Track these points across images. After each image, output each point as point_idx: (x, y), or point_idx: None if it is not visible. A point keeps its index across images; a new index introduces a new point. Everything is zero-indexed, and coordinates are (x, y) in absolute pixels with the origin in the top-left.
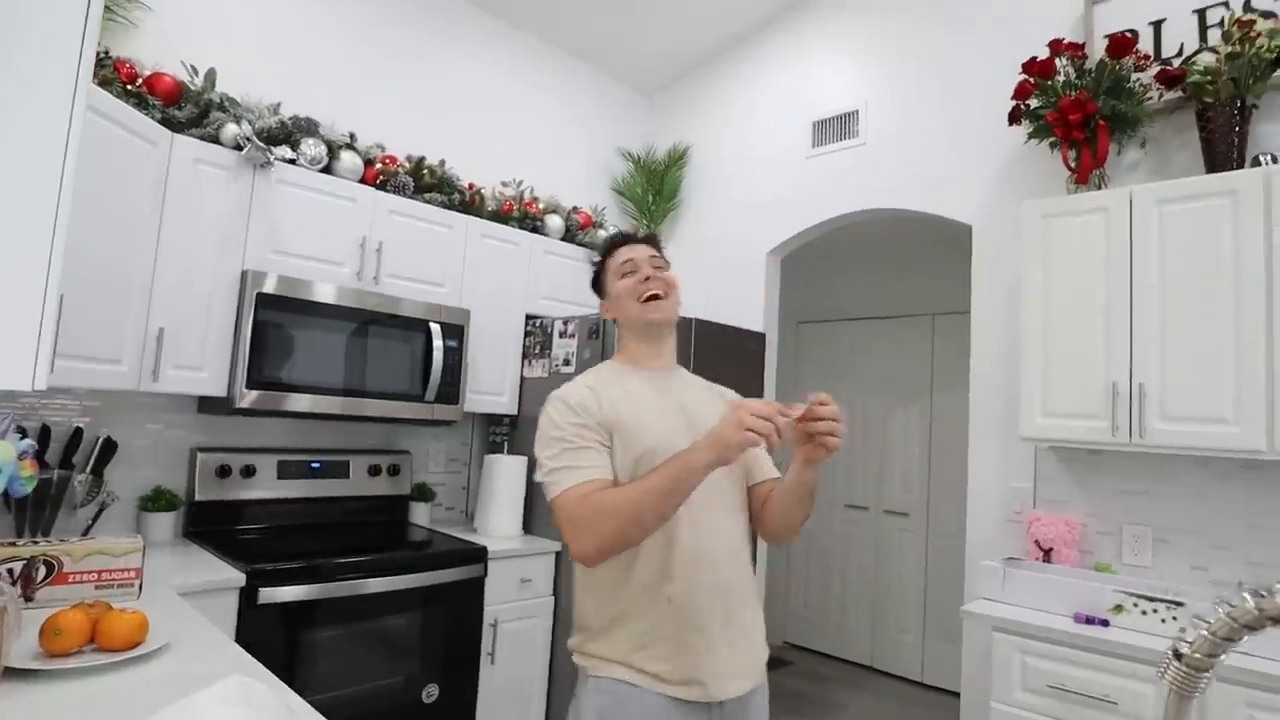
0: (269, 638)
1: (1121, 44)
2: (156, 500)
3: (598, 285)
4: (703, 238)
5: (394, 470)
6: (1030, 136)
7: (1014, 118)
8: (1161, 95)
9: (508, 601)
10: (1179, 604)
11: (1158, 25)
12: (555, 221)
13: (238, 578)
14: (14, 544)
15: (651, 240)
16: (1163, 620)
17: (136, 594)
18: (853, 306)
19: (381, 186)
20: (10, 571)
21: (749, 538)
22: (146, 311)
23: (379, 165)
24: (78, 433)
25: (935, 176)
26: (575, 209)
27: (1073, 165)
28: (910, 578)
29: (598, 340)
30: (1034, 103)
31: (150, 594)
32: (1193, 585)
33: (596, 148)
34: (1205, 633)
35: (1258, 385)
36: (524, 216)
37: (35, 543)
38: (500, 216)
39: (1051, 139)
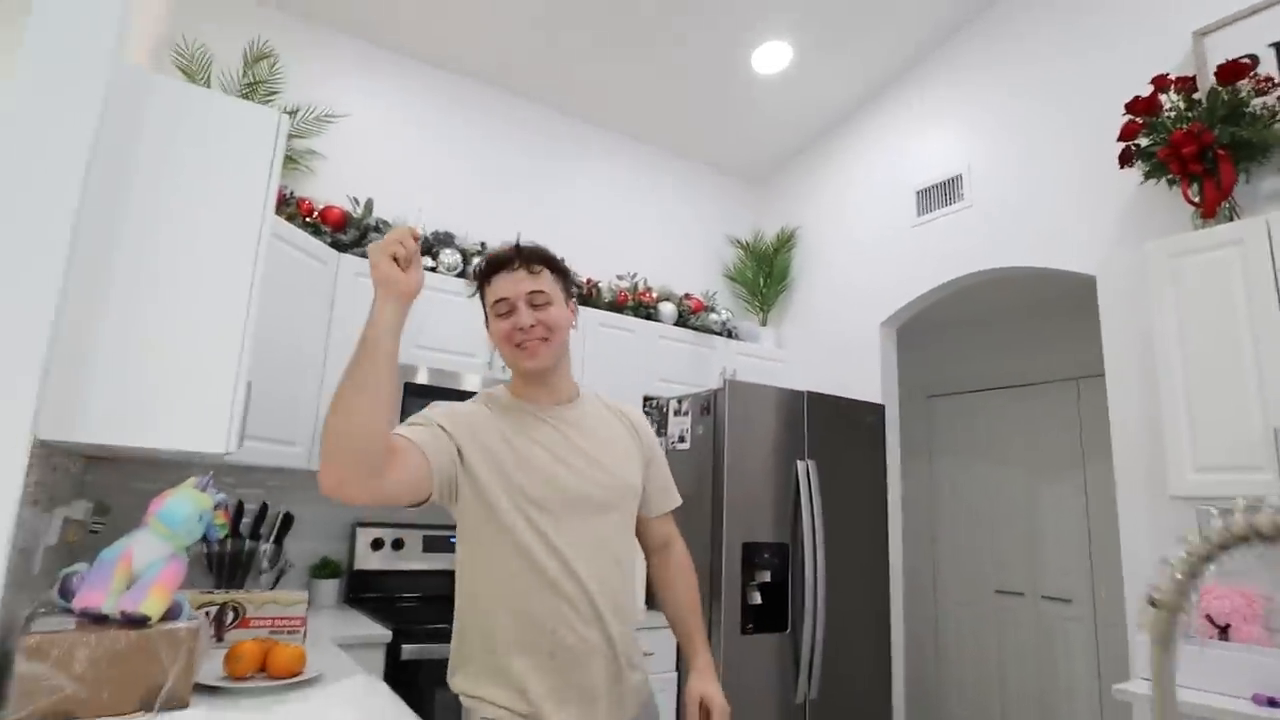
0: (408, 692)
1: (1231, 70)
2: (323, 568)
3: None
4: (815, 314)
5: None
6: (1146, 177)
7: (1124, 159)
8: None
9: None
10: None
11: (1279, 47)
12: (668, 308)
13: (385, 635)
14: (210, 592)
15: (533, 260)
16: None
17: (301, 639)
18: (987, 376)
19: None
20: (207, 614)
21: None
22: (317, 400)
23: None
24: (264, 508)
25: (1049, 230)
26: (687, 295)
27: (1195, 200)
28: (1081, 674)
29: (710, 416)
30: (1144, 141)
31: (312, 642)
32: None
33: (707, 237)
34: (1176, 575)
35: None
36: (638, 305)
37: (226, 592)
38: (616, 306)
39: (1169, 176)
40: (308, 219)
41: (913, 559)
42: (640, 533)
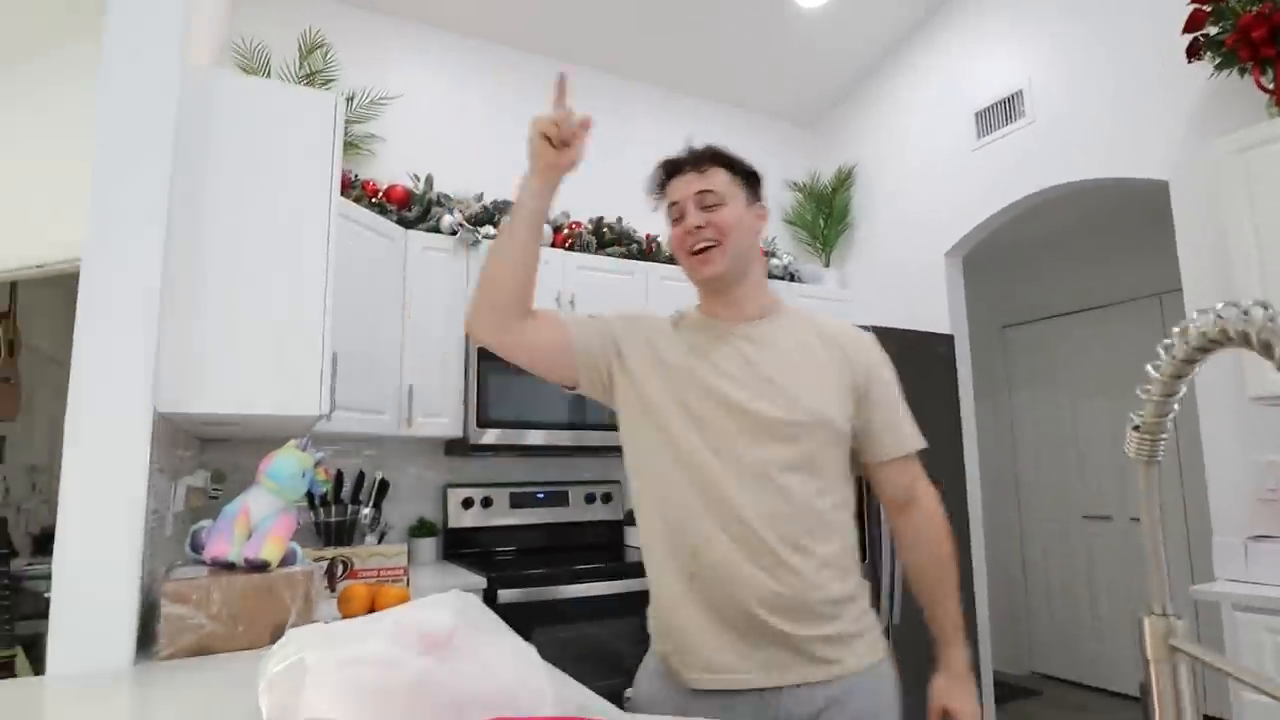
0: None
1: None
2: (420, 529)
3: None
4: (878, 250)
5: (607, 498)
6: (1216, 70)
7: (1192, 52)
8: None
9: None
10: None
11: None
12: None
13: (481, 581)
14: (322, 550)
15: (703, 160)
16: None
17: (406, 585)
18: (1063, 300)
19: (570, 248)
20: (320, 568)
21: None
22: (400, 371)
23: (565, 230)
24: (360, 476)
25: (1117, 138)
26: None
27: (1269, 87)
28: (1174, 584)
29: None
30: (1211, 31)
31: (415, 588)
32: None
33: (767, 184)
34: (1153, 396)
35: None
36: None
37: (335, 549)
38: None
39: (1240, 65)
40: (373, 199)
41: (993, 490)
42: (875, 484)
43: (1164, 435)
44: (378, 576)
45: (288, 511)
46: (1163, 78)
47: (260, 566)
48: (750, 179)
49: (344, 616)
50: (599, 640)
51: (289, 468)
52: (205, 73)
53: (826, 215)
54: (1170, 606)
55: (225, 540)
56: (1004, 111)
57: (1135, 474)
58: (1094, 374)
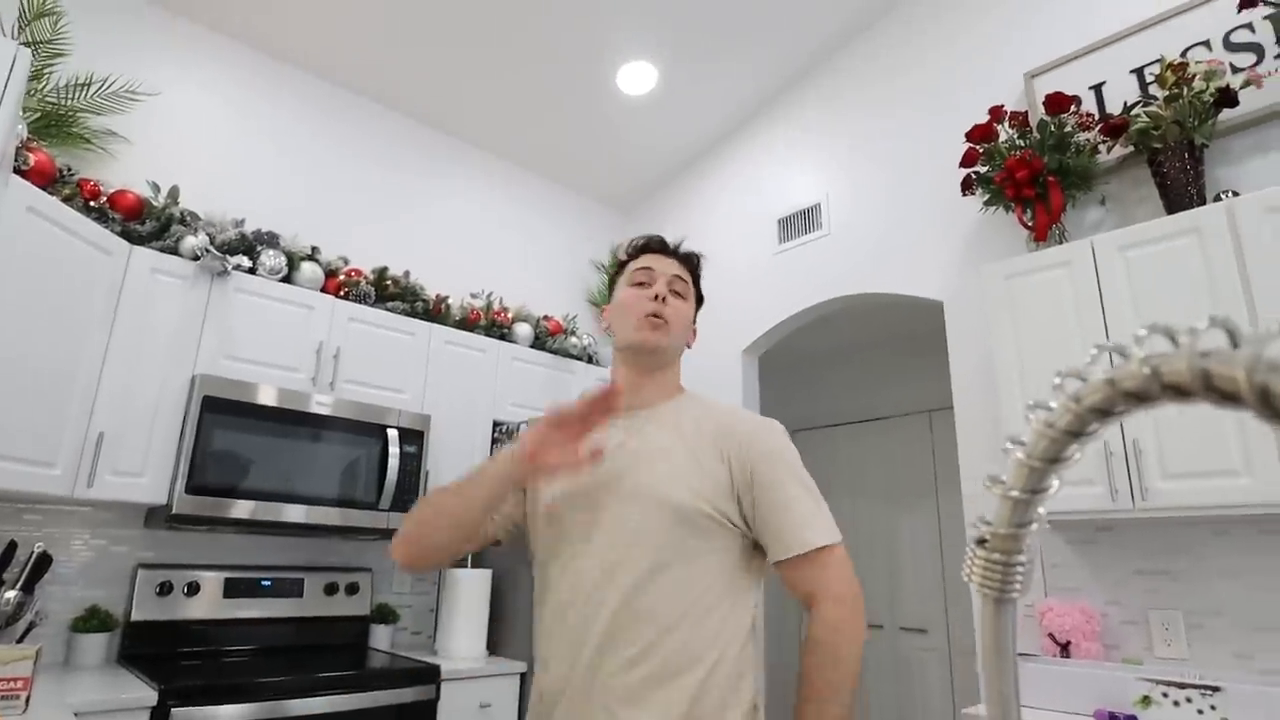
0: None
1: (1058, 101)
2: (90, 620)
3: (611, 290)
4: None
5: (353, 589)
6: (986, 204)
7: (966, 186)
8: (1110, 149)
9: None
10: (1215, 689)
11: (1098, 89)
12: (524, 329)
13: (148, 696)
14: None
15: (689, 260)
16: (1199, 711)
17: (23, 707)
18: (845, 410)
19: (345, 297)
20: None
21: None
22: (89, 415)
23: (341, 276)
24: (11, 546)
25: (900, 258)
26: (546, 317)
27: (1029, 224)
28: (936, 702)
29: None
30: (982, 169)
31: (41, 711)
32: (1239, 673)
33: (575, 264)
34: (1013, 492)
35: (1265, 428)
36: (491, 325)
37: None
38: (466, 325)
39: (1005, 202)
40: (91, 203)
41: (774, 596)
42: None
43: (1021, 560)
44: None
45: None
46: (942, 207)
47: None
48: (700, 301)
49: None
50: None
51: None
52: None
53: None
54: None
55: None
56: (804, 221)
57: (903, 583)
58: (871, 484)
